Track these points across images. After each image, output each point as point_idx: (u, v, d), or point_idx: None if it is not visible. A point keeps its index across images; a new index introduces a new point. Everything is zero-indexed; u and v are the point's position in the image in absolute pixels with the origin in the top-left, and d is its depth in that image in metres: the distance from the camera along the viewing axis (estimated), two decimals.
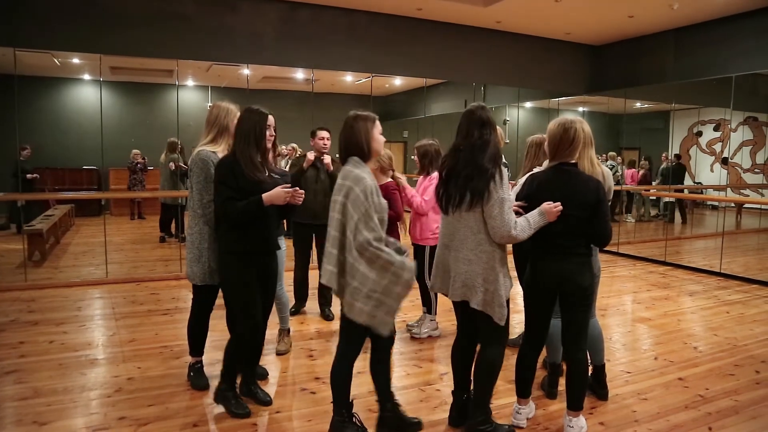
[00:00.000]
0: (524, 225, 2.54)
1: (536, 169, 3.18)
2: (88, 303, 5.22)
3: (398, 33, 7.83)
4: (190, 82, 9.93)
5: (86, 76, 9.61)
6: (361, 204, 2.39)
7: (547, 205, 2.60)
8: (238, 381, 3.10)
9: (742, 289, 6.06)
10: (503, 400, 3.19)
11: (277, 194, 2.78)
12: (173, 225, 8.41)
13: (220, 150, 3.09)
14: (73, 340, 4.13)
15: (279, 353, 3.91)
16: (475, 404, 2.69)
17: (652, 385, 3.45)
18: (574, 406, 2.78)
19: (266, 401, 3.11)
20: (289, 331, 4.04)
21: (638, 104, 9.91)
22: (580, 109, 10.69)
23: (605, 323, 4.74)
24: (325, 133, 4.44)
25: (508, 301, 2.62)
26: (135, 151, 9.32)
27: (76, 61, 7.64)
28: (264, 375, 3.49)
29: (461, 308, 2.71)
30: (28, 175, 8.34)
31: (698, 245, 9.20)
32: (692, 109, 9.99)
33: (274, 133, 2.96)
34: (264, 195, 2.77)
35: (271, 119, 2.92)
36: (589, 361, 3.09)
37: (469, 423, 2.71)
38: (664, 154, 9.78)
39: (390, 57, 7.84)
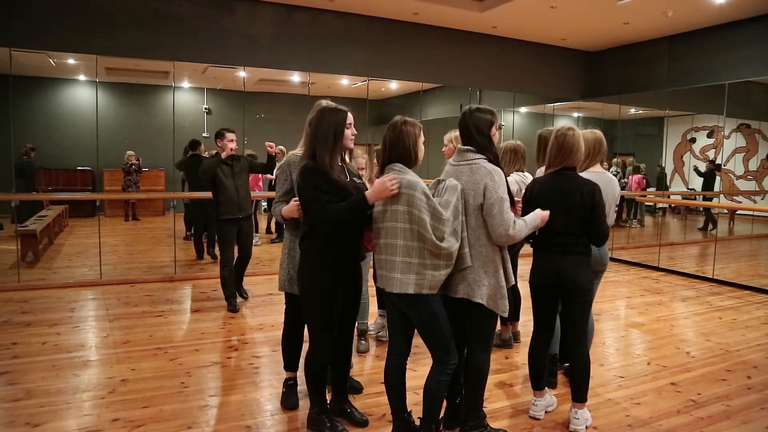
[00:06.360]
0: (522, 225, 2.59)
1: (538, 172, 3.25)
2: (82, 304, 5.20)
3: (395, 37, 7.86)
4: (186, 84, 9.93)
5: (82, 77, 9.59)
6: (426, 205, 2.39)
7: (541, 211, 2.74)
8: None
9: (735, 295, 6.10)
10: (496, 404, 3.20)
11: (383, 187, 2.39)
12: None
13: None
14: (66, 342, 4.11)
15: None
16: (468, 409, 2.71)
17: (645, 390, 3.47)
18: (578, 398, 2.92)
19: (362, 421, 2.89)
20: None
21: (632, 110, 9.98)
22: (575, 114, 10.75)
23: (598, 328, 4.75)
24: (234, 135, 4.85)
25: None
26: (129, 152, 9.30)
27: (71, 61, 7.63)
28: (359, 389, 3.28)
29: (457, 309, 2.67)
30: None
31: (691, 251, 9.25)
32: (686, 115, 10.06)
33: (355, 131, 2.75)
34: (368, 192, 2.44)
35: (350, 117, 2.69)
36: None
37: (462, 427, 2.72)
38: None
39: (386, 61, 7.87)
